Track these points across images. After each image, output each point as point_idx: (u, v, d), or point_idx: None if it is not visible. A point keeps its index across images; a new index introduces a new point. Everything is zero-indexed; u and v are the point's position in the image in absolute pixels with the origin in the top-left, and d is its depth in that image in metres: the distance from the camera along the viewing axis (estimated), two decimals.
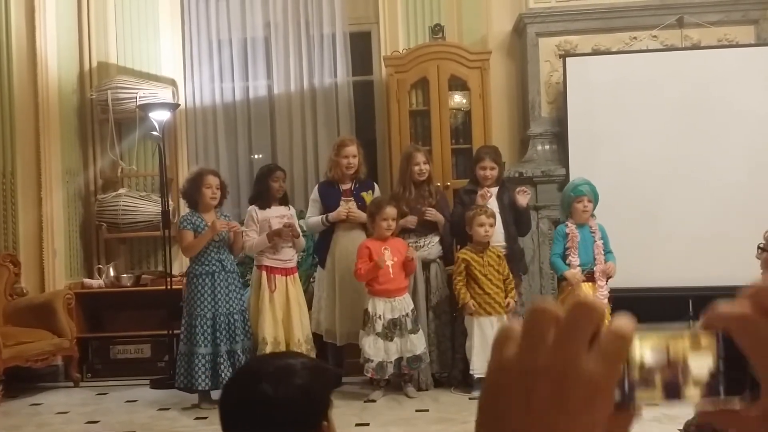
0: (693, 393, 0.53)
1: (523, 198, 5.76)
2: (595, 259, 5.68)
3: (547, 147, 6.71)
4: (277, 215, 5.77)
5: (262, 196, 5.81)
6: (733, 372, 0.53)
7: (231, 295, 5.62)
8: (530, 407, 0.49)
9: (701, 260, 5.93)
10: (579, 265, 5.65)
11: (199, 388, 5.48)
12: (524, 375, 0.50)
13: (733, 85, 6.11)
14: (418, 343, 5.56)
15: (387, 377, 5.58)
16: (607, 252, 5.73)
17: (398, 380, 5.72)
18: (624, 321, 0.50)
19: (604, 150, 6.23)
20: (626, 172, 5.73)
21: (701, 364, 0.53)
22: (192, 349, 5.50)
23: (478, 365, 5.51)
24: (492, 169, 5.79)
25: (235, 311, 5.61)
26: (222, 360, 5.49)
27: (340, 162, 5.83)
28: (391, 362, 5.50)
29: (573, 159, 6.28)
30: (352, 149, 5.85)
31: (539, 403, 0.49)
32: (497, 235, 5.68)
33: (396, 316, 5.51)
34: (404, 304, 5.56)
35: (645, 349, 0.52)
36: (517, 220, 5.84)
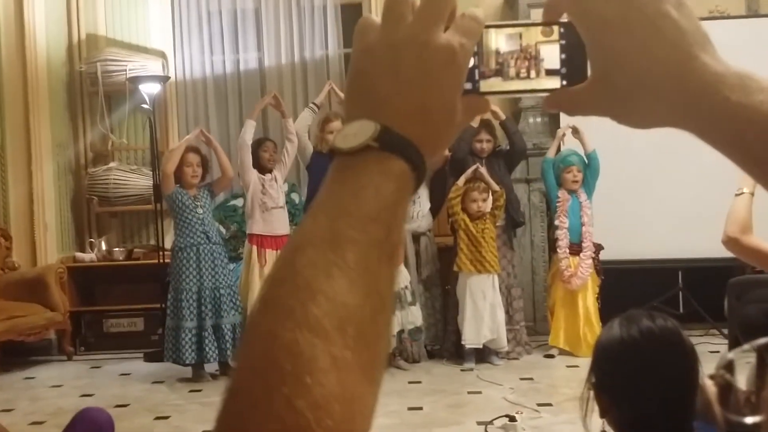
0: (546, 81, 0.58)
1: (495, 115, 5.76)
2: (583, 224, 5.78)
3: (538, 120, 6.71)
4: (268, 178, 5.80)
5: (254, 166, 5.81)
6: (577, 60, 0.57)
7: (217, 270, 5.62)
8: (398, 76, 0.52)
9: (691, 232, 5.95)
10: (567, 228, 5.77)
11: (186, 362, 5.51)
12: (389, 49, 0.53)
13: (725, 57, 6.08)
14: (417, 315, 5.61)
15: (390, 351, 5.60)
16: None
17: (390, 354, 5.75)
18: (478, 10, 0.55)
19: (596, 122, 6.19)
20: (617, 145, 5.72)
21: (552, 53, 0.58)
22: (179, 323, 5.51)
23: (470, 336, 5.56)
24: (488, 141, 5.90)
25: (221, 285, 5.61)
26: (207, 334, 5.50)
27: (325, 138, 5.81)
28: (393, 335, 5.52)
29: None
30: (337, 124, 5.82)
31: (406, 71, 0.52)
32: (489, 205, 5.71)
33: (395, 289, 5.49)
34: (402, 276, 5.58)
35: (500, 37, 0.58)
36: (511, 143, 5.90)
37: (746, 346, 0.57)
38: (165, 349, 5.62)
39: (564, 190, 5.87)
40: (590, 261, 5.77)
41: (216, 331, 5.55)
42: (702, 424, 1.42)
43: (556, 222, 5.87)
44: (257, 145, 5.86)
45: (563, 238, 5.81)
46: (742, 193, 2.16)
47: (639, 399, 1.48)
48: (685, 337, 1.55)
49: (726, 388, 0.54)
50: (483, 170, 5.70)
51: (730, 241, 2.15)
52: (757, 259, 2.15)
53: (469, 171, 5.67)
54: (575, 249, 5.81)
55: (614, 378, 1.52)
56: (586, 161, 5.87)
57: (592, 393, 1.56)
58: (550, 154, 5.95)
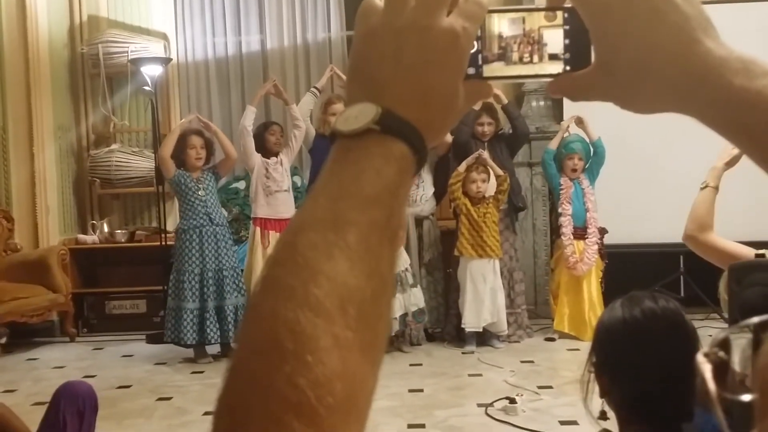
0: (549, 66, 0.58)
1: (497, 99, 5.78)
2: (587, 210, 5.79)
3: (541, 103, 6.69)
4: (272, 162, 5.80)
5: (260, 150, 5.81)
6: (580, 46, 0.57)
7: (221, 251, 5.63)
8: (400, 59, 0.52)
9: None
10: (570, 215, 5.78)
11: (187, 342, 5.53)
12: (392, 34, 0.53)
13: (731, 42, 6.04)
14: (420, 297, 5.62)
15: (394, 333, 5.62)
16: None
17: (391, 336, 5.77)
18: None
19: (600, 106, 6.17)
20: (621, 129, 5.71)
21: (555, 38, 0.58)
22: (180, 304, 5.54)
23: (470, 319, 5.57)
24: (489, 124, 5.90)
25: (224, 267, 5.63)
26: (209, 316, 5.53)
27: (328, 120, 5.81)
28: (396, 318, 5.53)
29: (568, 115, 6.25)
30: (339, 107, 5.81)
31: (408, 55, 0.52)
32: (491, 189, 5.72)
33: (395, 272, 5.51)
34: (402, 259, 5.58)
35: (503, 22, 0.58)
36: (513, 128, 5.90)
37: (741, 324, 0.57)
38: (165, 329, 5.65)
39: (566, 177, 5.87)
40: (596, 247, 5.78)
41: (218, 313, 5.58)
42: (702, 411, 1.40)
43: (560, 209, 5.87)
44: (264, 129, 5.87)
45: (567, 225, 5.81)
46: (707, 186, 2.16)
47: (640, 379, 1.48)
48: (688, 318, 1.56)
49: (720, 367, 0.54)
50: (486, 155, 5.70)
51: (688, 239, 2.15)
52: (716, 257, 2.12)
53: (471, 157, 5.66)
54: (579, 233, 5.81)
55: (616, 358, 1.53)
56: (592, 150, 5.86)
57: (592, 374, 1.56)
58: (552, 145, 5.92)
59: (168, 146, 5.58)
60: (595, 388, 1.56)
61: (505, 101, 5.85)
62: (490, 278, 5.62)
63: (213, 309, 5.56)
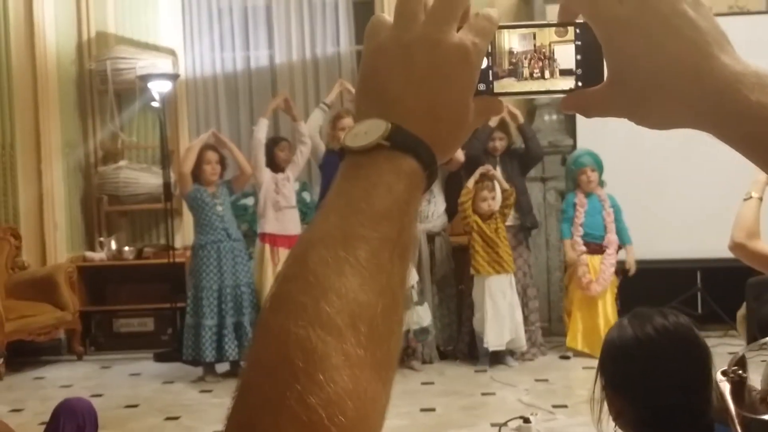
0: (560, 82, 0.57)
1: (513, 119, 5.73)
2: (605, 227, 5.69)
3: (554, 117, 6.61)
4: (281, 178, 5.76)
5: (269, 165, 5.77)
6: (593, 62, 0.57)
7: (238, 267, 5.60)
8: (410, 75, 0.52)
9: (709, 232, 5.83)
10: (581, 236, 5.71)
11: (207, 359, 5.47)
12: (401, 48, 0.53)
13: (744, 54, 5.97)
14: (424, 315, 5.53)
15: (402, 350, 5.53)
16: (620, 226, 5.73)
17: (402, 354, 5.68)
18: (492, 9, 0.55)
19: (612, 121, 6.11)
20: (635, 142, 5.65)
21: (566, 53, 0.57)
22: (199, 321, 5.49)
23: (492, 339, 5.46)
24: (501, 139, 5.83)
25: (242, 283, 5.60)
26: (227, 332, 5.48)
27: (337, 135, 5.76)
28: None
29: (580, 129, 6.20)
30: (348, 121, 5.76)
31: (418, 70, 0.52)
32: (497, 203, 5.66)
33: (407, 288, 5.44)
34: (410, 275, 5.50)
35: (513, 37, 0.57)
36: (527, 148, 5.81)
37: (760, 342, 0.58)
38: (184, 347, 5.58)
39: (581, 194, 5.78)
40: (612, 269, 5.67)
41: (237, 329, 5.53)
42: (722, 427, 1.40)
43: (571, 230, 5.79)
44: (273, 144, 5.84)
45: (580, 246, 5.72)
46: (750, 197, 2.20)
47: (657, 396, 1.46)
48: (699, 334, 1.55)
49: (739, 385, 0.53)
50: (491, 168, 5.63)
51: (736, 247, 2.17)
52: (764, 264, 2.16)
53: (477, 172, 5.60)
54: (595, 248, 5.71)
55: (630, 377, 1.51)
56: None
57: (603, 395, 1.54)
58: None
59: (189, 163, 5.53)
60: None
61: (522, 120, 5.79)
62: (508, 294, 5.55)
63: (231, 325, 5.51)
